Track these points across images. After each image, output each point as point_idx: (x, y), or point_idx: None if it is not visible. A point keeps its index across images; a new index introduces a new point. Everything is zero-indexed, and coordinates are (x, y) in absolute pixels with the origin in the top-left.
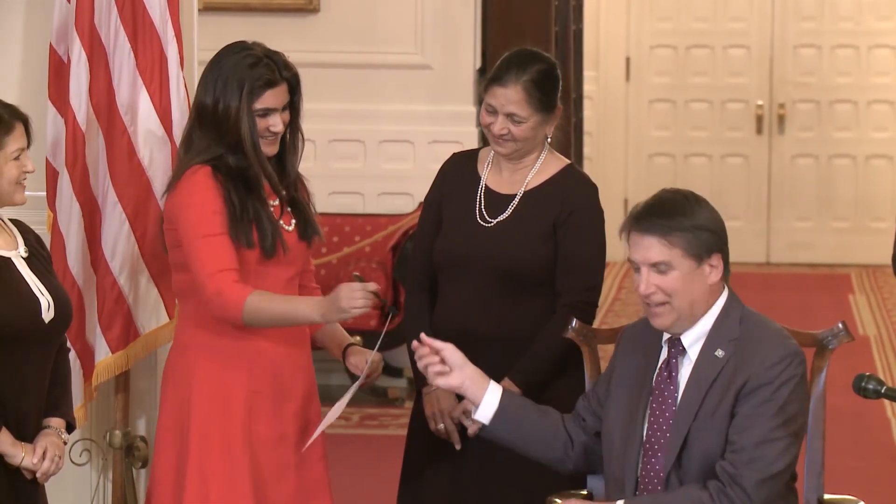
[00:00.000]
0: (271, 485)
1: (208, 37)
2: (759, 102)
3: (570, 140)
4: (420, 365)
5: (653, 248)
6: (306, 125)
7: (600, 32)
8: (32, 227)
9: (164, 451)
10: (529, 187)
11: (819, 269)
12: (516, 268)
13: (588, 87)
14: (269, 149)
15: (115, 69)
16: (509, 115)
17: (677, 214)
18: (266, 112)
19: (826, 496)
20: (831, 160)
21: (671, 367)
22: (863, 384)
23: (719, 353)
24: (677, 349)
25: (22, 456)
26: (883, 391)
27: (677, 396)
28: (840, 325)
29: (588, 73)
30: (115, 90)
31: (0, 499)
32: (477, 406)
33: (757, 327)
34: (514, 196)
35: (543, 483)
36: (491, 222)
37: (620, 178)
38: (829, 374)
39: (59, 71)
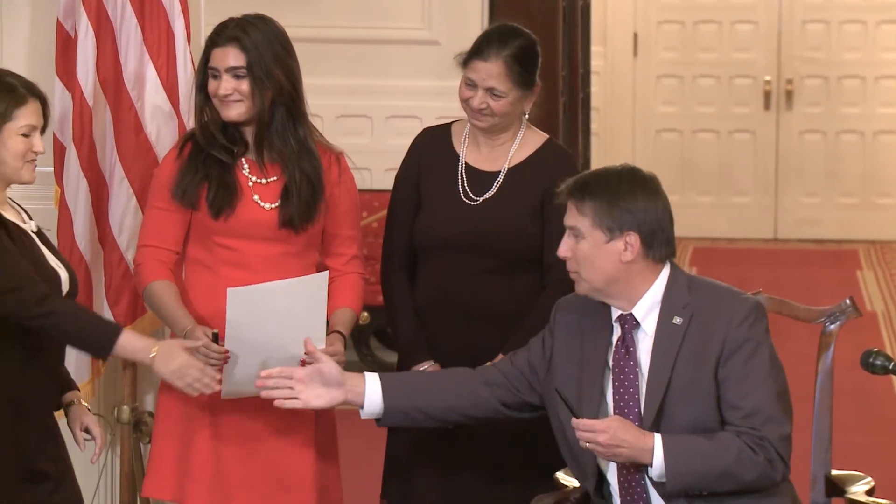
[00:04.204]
0: (237, 454)
1: (215, 12)
2: (767, 78)
3: (578, 116)
4: (270, 396)
5: (570, 212)
6: (313, 100)
7: (608, 7)
8: (39, 202)
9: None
10: (513, 163)
11: (826, 244)
12: (507, 244)
13: (595, 63)
14: (225, 111)
15: (121, 44)
16: (489, 90)
17: (600, 187)
18: (214, 73)
19: (833, 472)
20: (839, 136)
21: (628, 343)
22: (870, 360)
23: (677, 320)
24: (630, 324)
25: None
26: (891, 367)
27: (639, 371)
28: (848, 301)
29: (595, 49)
30: (122, 65)
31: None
32: (362, 406)
33: (707, 290)
34: (497, 173)
35: (539, 467)
36: (477, 200)
37: (628, 154)
38: (837, 349)
39: (66, 46)
